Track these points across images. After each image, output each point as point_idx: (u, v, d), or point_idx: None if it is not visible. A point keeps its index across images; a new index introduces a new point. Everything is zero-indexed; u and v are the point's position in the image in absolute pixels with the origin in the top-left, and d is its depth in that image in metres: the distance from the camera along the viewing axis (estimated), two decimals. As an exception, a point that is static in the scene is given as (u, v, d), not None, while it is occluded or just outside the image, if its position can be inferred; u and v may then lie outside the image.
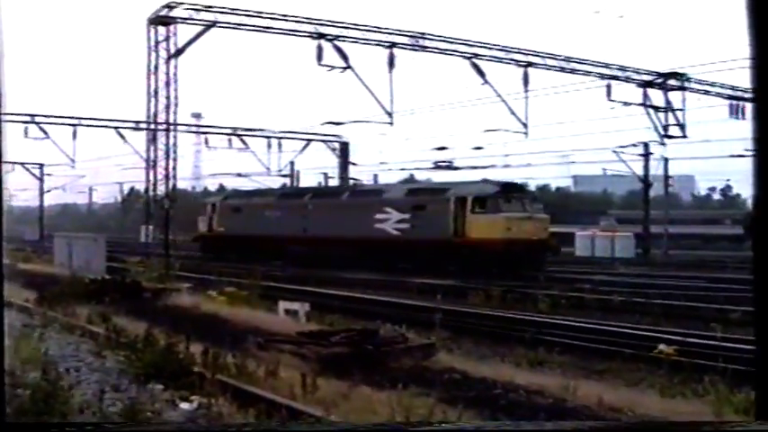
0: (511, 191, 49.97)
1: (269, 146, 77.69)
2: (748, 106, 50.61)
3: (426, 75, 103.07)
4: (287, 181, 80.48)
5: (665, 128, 49.76)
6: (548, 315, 26.55)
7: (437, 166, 65.97)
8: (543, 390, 13.80)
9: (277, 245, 57.60)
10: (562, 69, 50.14)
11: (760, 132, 5.08)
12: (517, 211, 48.09)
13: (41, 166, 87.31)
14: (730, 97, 50.87)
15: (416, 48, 48.36)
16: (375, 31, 47.39)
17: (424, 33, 48.40)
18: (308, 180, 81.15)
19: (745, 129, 55.66)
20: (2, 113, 7.13)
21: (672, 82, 49.56)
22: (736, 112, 50.80)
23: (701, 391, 14.40)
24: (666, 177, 69.62)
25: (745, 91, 50.36)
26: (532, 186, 69.96)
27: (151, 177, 52.72)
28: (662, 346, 18.24)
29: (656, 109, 49.57)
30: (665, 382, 15.98)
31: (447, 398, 12.75)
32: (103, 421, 11.00)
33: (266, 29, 47.54)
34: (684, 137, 49.91)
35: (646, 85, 49.55)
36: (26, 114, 68.21)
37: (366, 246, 51.75)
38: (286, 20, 46.79)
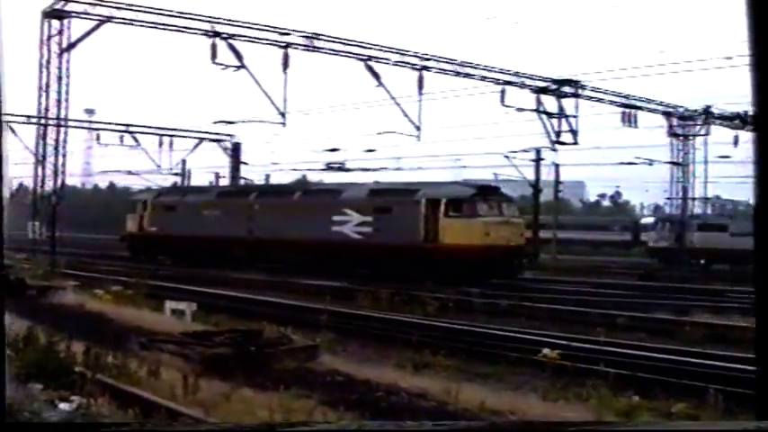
0: (487, 193, 47.31)
1: (160, 144, 76.69)
2: (640, 114, 51.53)
3: (321, 76, 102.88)
4: (177, 179, 79.82)
5: (558, 134, 50.23)
6: (435, 318, 26.62)
7: (329, 168, 65.83)
8: (426, 393, 13.80)
9: (218, 247, 54.16)
10: (457, 74, 50.40)
11: (761, 145, 5.03)
12: (494, 215, 45.67)
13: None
14: (623, 105, 51.57)
15: (311, 48, 48.20)
16: (270, 31, 47.15)
17: (319, 34, 48.27)
18: (200, 179, 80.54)
19: (636, 136, 56.71)
20: (2, 114, 6.99)
21: (566, 89, 50.06)
22: (627, 120, 51.51)
23: (584, 395, 14.48)
24: (557, 183, 70.31)
25: (637, 99, 51.18)
26: None
27: (40, 173, 51.82)
28: (546, 351, 18.32)
29: (549, 115, 50.02)
30: (548, 385, 16.06)
31: (329, 400, 12.70)
32: (106, 422, 10.90)
33: (161, 26, 47.06)
34: (576, 143, 50.45)
35: (540, 91, 49.96)
36: None
37: (322, 250, 48.28)
38: (181, 17, 46.36)
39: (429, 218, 45.29)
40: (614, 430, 6.67)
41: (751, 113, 5.30)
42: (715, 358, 19.00)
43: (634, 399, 13.91)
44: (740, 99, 56.89)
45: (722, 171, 68.62)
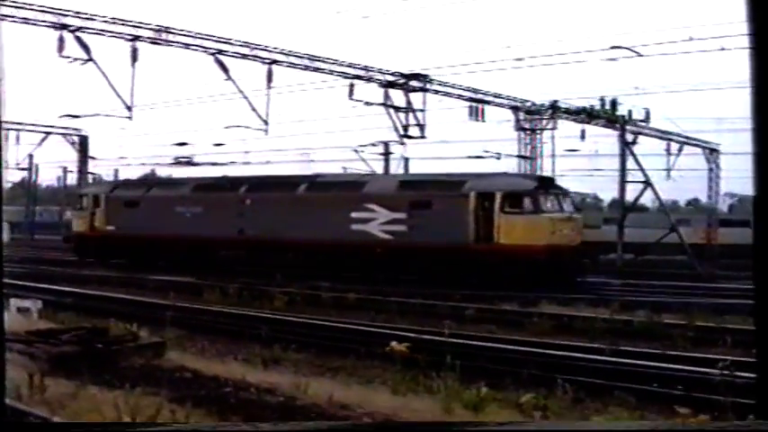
0: (548, 185, 41.99)
1: (6, 138, 74.99)
2: (487, 108, 52.10)
3: (170, 69, 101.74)
4: (26, 175, 78.00)
5: (405, 128, 50.40)
6: (284, 312, 26.58)
7: (177, 162, 65.17)
8: (275, 388, 13.76)
9: (197, 249, 47.62)
10: (306, 68, 50.23)
11: (759, 143, 5.03)
12: (557, 211, 40.04)
13: None
14: (471, 99, 52.03)
15: (160, 42, 47.57)
16: (119, 24, 46.37)
17: (168, 27, 47.66)
18: (47, 174, 79.07)
19: (483, 130, 57.22)
20: (2, 114, 6.72)
21: (414, 83, 50.31)
22: (475, 114, 52.01)
23: (434, 388, 14.56)
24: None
25: (485, 93, 51.73)
26: None
27: None
28: (393, 344, 18.35)
29: (397, 109, 50.15)
30: (397, 378, 16.11)
31: (176, 397, 12.56)
32: (109, 422, 10.71)
33: (5, 17, 45.92)
34: (423, 137, 50.68)
35: (388, 85, 50.09)
36: None
37: (337, 252, 42.36)
38: (27, 8, 45.31)
39: (480, 214, 39.46)
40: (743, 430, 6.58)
41: (750, 114, 5.31)
42: (563, 349, 19.37)
43: (483, 390, 14.01)
44: (587, 94, 58.20)
45: (570, 164, 69.62)
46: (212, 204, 48.93)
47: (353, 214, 42.72)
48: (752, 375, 15.77)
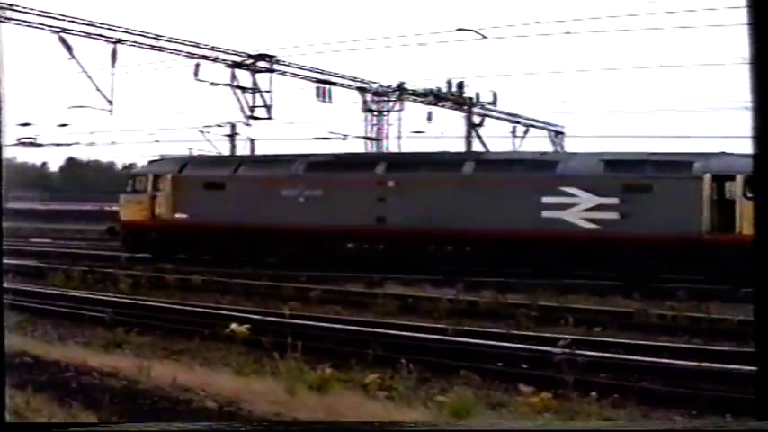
0: None
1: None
2: (334, 90, 52.27)
3: (14, 48, 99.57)
4: None
5: (252, 109, 50.22)
6: (129, 295, 26.32)
7: (20, 143, 63.72)
8: (117, 371, 13.64)
9: (314, 241, 39.27)
10: (152, 47, 49.66)
11: (759, 145, 5.00)
12: None
13: None
14: (318, 81, 52.12)
15: (3, 20, 46.55)
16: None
17: (11, 5, 46.65)
18: None
19: (328, 111, 57.37)
20: (2, 112, 6.43)
21: (261, 64, 50.16)
22: (322, 95, 52.14)
23: (279, 370, 14.58)
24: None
25: (332, 75, 51.87)
26: (119, 165, 67.27)
27: None
28: (234, 326, 18.28)
29: (244, 90, 49.95)
30: (241, 360, 16.11)
31: (16, 383, 12.35)
32: (109, 421, 10.57)
33: None
34: (270, 118, 50.55)
35: (234, 65, 49.86)
36: None
37: (519, 245, 35.37)
38: None
39: (716, 200, 34.08)
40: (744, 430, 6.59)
41: (750, 114, 5.27)
42: (408, 329, 19.60)
43: (327, 371, 14.09)
44: (439, 76, 58.74)
45: (416, 146, 70.40)
46: (337, 187, 40.19)
47: (545, 199, 35.84)
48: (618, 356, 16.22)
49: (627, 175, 35.09)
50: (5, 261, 6.71)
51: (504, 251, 35.18)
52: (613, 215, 34.83)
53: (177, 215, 43.22)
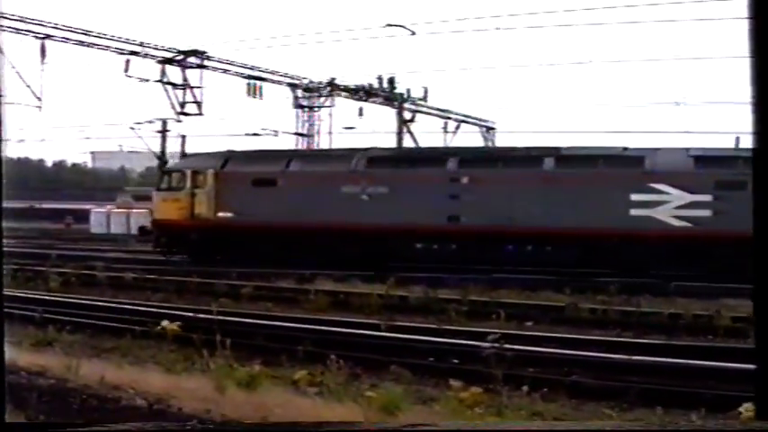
0: None
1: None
2: (265, 86, 52.19)
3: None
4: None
5: (182, 105, 50.00)
6: (59, 293, 26.13)
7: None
8: (46, 370, 13.54)
9: (378, 241, 37.25)
10: (81, 43, 49.28)
11: (759, 142, 5.01)
12: None
13: None
14: (249, 77, 52.01)
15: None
16: None
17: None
18: None
19: (259, 108, 57.19)
20: (1, 112, 6.33)
21: (191, 60, 49.95)
22: (253, 92, 52.03)
23: (209, 367, 14.57)
24: (183, 155, 70.33)
25: (263, 71, 51.81)
26: (48, 162, 66.61)
27: None
28: (165, 323, 18.23)
29: (174, 86, 49.71)
30: (171, 358, 16.09)
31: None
32: (109, 421, 10.31)
33: None
34: (201, 114, 50.39)
35: (165, 61, 49.60)
36: None
37: (604, 243, 34.38)
38: None
39: None
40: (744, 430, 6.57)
41: (750, 112, 5.28)
42: (338, 325, 19.68)
43: (256, 368, 14.11)
44: (364, 72, 58.77)
45: (347, 142, 70.52)
46: (404, 183, 38.16)
47: (634, 197, 34.90)
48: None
49: (720, 171, 33.46)
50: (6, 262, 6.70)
51: (588, 250, 34.37)
52: (707, 213, 33.89)
53: (221, 214, 40.86)
